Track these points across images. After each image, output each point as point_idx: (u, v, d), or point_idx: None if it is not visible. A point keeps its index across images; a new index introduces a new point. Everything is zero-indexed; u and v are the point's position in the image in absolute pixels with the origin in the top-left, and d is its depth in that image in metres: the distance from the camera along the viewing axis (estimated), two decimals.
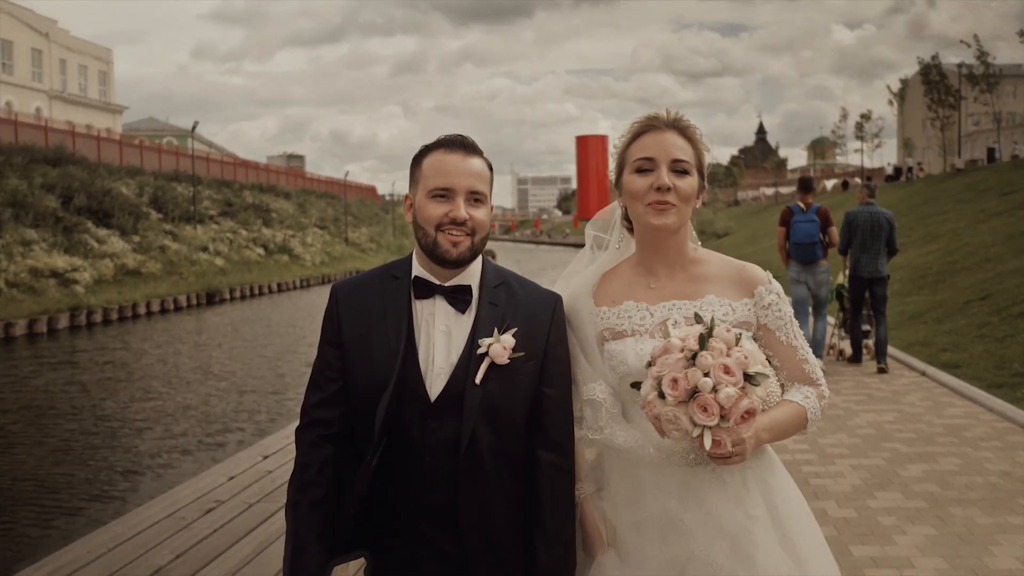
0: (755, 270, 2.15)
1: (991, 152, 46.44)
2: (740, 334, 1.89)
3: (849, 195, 45.05)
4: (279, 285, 35.96)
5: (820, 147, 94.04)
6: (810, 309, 9.55)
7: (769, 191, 78.20)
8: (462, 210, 2.00)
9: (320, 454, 2.06)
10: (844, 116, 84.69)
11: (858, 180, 61.52)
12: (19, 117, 40.03)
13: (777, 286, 2.13)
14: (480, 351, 2.00)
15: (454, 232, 2.00)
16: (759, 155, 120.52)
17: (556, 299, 2.14)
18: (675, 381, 1.81)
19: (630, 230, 2.26)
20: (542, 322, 2.08)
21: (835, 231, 9.40)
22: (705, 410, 1.79)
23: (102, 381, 15.00)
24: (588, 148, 10.31)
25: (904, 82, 69.26)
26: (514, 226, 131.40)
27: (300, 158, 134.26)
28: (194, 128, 41.43)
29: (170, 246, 32.69)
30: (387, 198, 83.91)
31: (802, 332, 2.15)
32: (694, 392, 1.79)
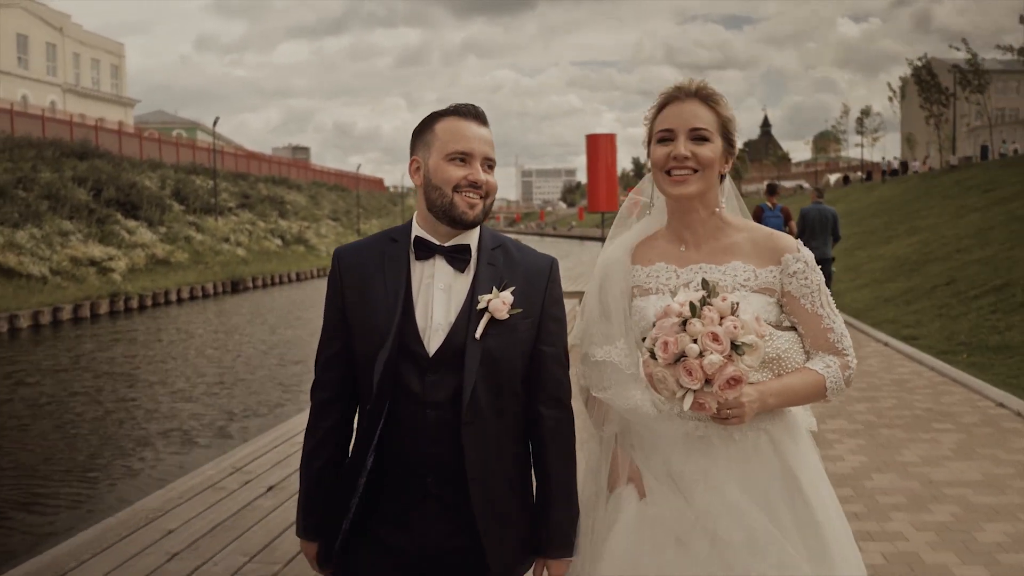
0: (784, 238, 2.18)
1: (984, 150, 48.20)
2: (737, 303, 1.93)
3: (849, 189, 46.59)
4: (297, 274, 37.68)
5: (824, 141, 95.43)
6: None
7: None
8: (481, 173, 2.09)
9: (328, 416, 2.20)
10: (845, 112, 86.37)
11: (859, 174, 63.36)
12: (32, 110, 41.22)
13: (807, 254, 2.16)
14: (480, 307, 2.06)
15: (471, 195, 2.07)
16: (763, 149, 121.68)
17: (552, 261, 2.22)
18: (665, 344, 1.90)
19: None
20: (539, 282, 2.15)
21: (794, 225, 11.75)
22: (690, 374, 1.87)
23: (165, 356, 16.63)
24: (598, 146, 11.94)
25: (904, 79, 70.89)
26: (519, 218, 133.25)
27: (306, 150, 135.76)
28: (215, 123, 43.05)
29: (195, 236, 34.32)
30: (392, 190, 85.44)
31: (831, 301, 2.17)
32: (681, 356, 1.88)
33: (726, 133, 2.16)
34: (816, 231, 11.68)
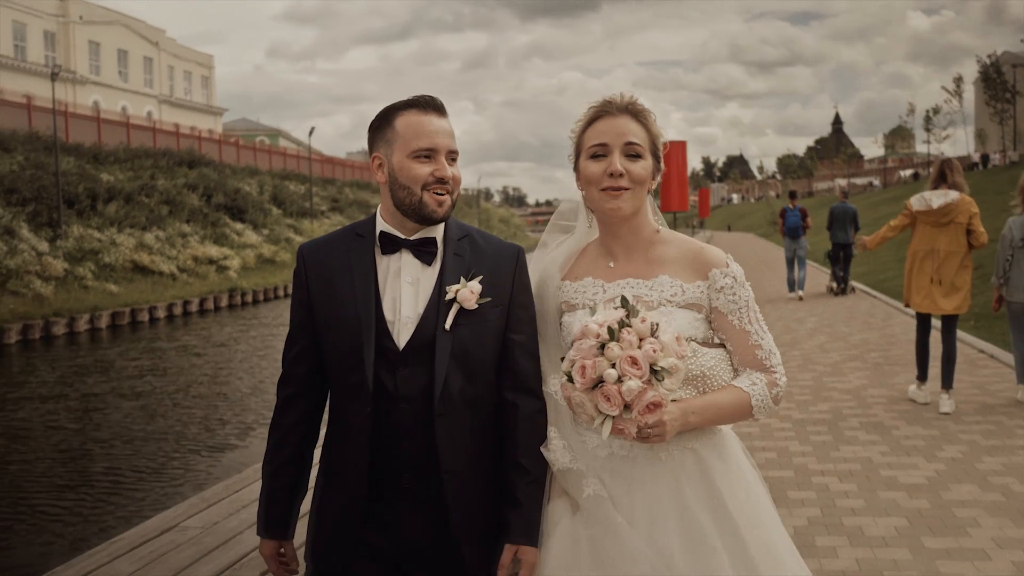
0: (712, 252, 2.14)
1: None
2: (657, 324, 1.90)
3: (919, 184, 47.17)
4: None
5: (893, 138, 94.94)
6: (795, 264, 16.57)
7: (843, 182, 79.99)
8: (447, 169, 2.07)
9: (293, 412, 2.18)
10: (911, 111, 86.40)
11: (931, 170, 63.49)
12: (132, 120, 44.37)
13: (736, 269, 2.12)
14: (448, 297, 2.05)
15: (439, 191, 2.06)
16: (834, 147, 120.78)
17: (518, 250, 2.20)
18: (583, 368, 1.86)
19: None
20: (506, 271, 2.14)
21: (810, 221, 16.68)
22: (608, 400, 1.84)
23: None
24: (670, 152, 14.01)
25: (976, 74, 71.00)
26: None
27: None
28: (311, 133, 46.05)
29: (294, 238, 37.10)
30: (466, 192, 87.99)
31: (760, 317, 2.14)
32: (599, 381, 1.85)
33: (655, 150, 2.16)
34: (840, 222, 15.85)
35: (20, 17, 49.56)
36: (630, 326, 1.89)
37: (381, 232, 2.13)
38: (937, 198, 6.98)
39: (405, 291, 2.09)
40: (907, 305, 7.49)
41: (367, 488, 2.07)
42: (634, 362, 1.84)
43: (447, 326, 2.05)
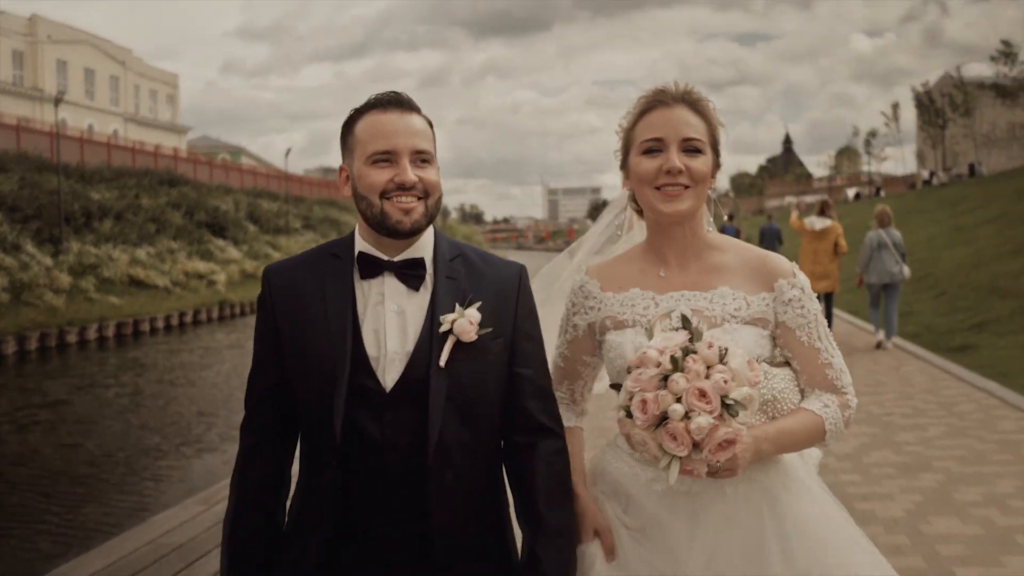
0: (778, 260, 1.96)
1: (971, 168, 52.42)
2: (725, 349, 1.70)
3: (860, 204, 50.57)
4: None
5: (846, 155, 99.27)
6: None
7: (793, 200, 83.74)
8: (409, 172, 1.80)
9: (259, 464, 1.90)
10: (856, 133, 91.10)
11: (874, 190, 67.77)
12: (97, 138, 45.43)
13: (803, 280, 1.94)
14: (443, 329, 1.80)
15: (403, 199, 1.80)
16: (783, 166, 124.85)
17: (520, 269, 1.95)
18: (644, 403, 1.66)
19: (639, 212, 2.12)
20: (508, 295, 1.90)
21: (741, 236, 18.62)
22: (675, 439, 1.63)
23: None
24: None
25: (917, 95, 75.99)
26: (548, 236, 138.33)
27: (335, 171, 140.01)
28: (287, 153, 47.94)
29: (272, 254, 38.74)
30: None
31: (829, 333, 1.95)
32: (664, 418, 1.64)
33: (715, 143, 1.96)
34: (768, 240, 18.83)
35: None
36: (695, 352, 1.69)
37: (360, 253, 1.88)
38: (819, 223, 11.94)
39: (390, 322, 1.84)
40: None
41: (326, 556, 1.81)
42: (703, 395, 1.64)
43: (442, 363, 1.79)
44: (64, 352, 20.83)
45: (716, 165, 1.98)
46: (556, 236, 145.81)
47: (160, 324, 25.50)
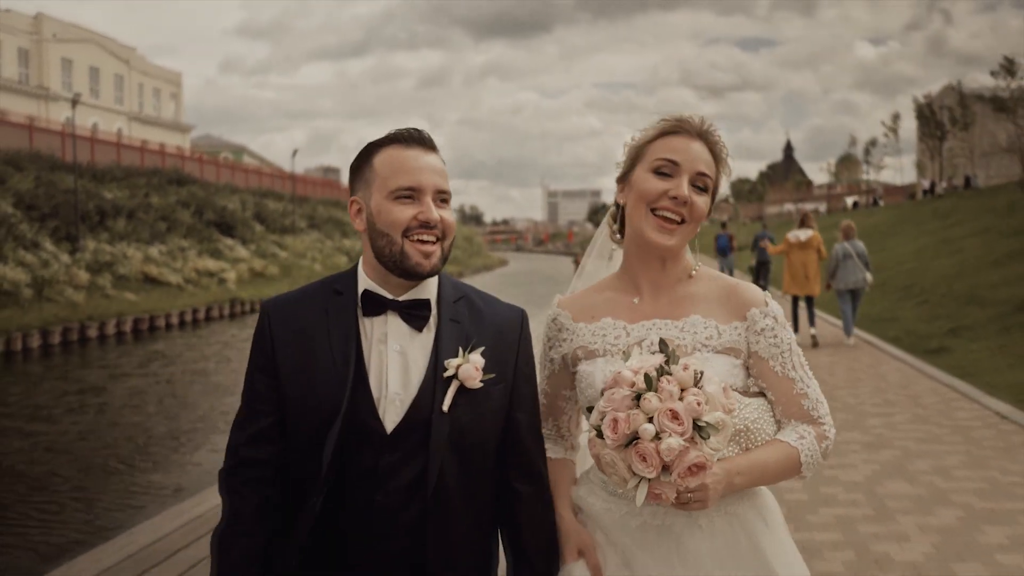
0: (749, 289, 1.95)
1: (967, 180, 53.47)
2: (701, 373, 1.69)
3: (857, 213, 51.56)
4: None
5: (845, 164, 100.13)
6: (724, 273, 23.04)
7: (793, 207, 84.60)
8: (433, 211, 1.80)
9: (253, 500, 1.81)
10: (853, 143, 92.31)
11: (871, 200, 69.30)
12: (102, 136, 46.08)
13: (775, 309, 1.93)
14: (448, 374, 1.79)
15: (425, 237, 1.80)
16: (783, 173, 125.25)
17: (522, 314, 1.98)
18: (615, 422, 1.65)
19: (618, 235, 2.09)
20: (510, 340, 1.91)
21: (735, 243, 22.69)
22: (644, 460, 1.62)
23: None
24: None
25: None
26: (547, 238, 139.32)
27: (336, 171, 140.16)
28: (294, 154, 48.73)
29: (279, 253, 39.72)
30: None
31: (804, 362, 1.94)
32: (634, 438, 1.63)
33: (716, 187, 1.97)
34: (759, 248, 20.43)
35: None
36: (670, 374, 1.67)
37: (364, 291, 1.86)
38: (803, 234, 13.25)
39: (393, 362, 1.82)
40: (785, 292, 13.55)
41: None
42: (675, 416, 1.61)
43: (445, 408, 1.78)
44: (85, 346, 21.76)
45: (710, 209, 2.00)
46: (555, 238, 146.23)
47: (175, 320, 26.41)
